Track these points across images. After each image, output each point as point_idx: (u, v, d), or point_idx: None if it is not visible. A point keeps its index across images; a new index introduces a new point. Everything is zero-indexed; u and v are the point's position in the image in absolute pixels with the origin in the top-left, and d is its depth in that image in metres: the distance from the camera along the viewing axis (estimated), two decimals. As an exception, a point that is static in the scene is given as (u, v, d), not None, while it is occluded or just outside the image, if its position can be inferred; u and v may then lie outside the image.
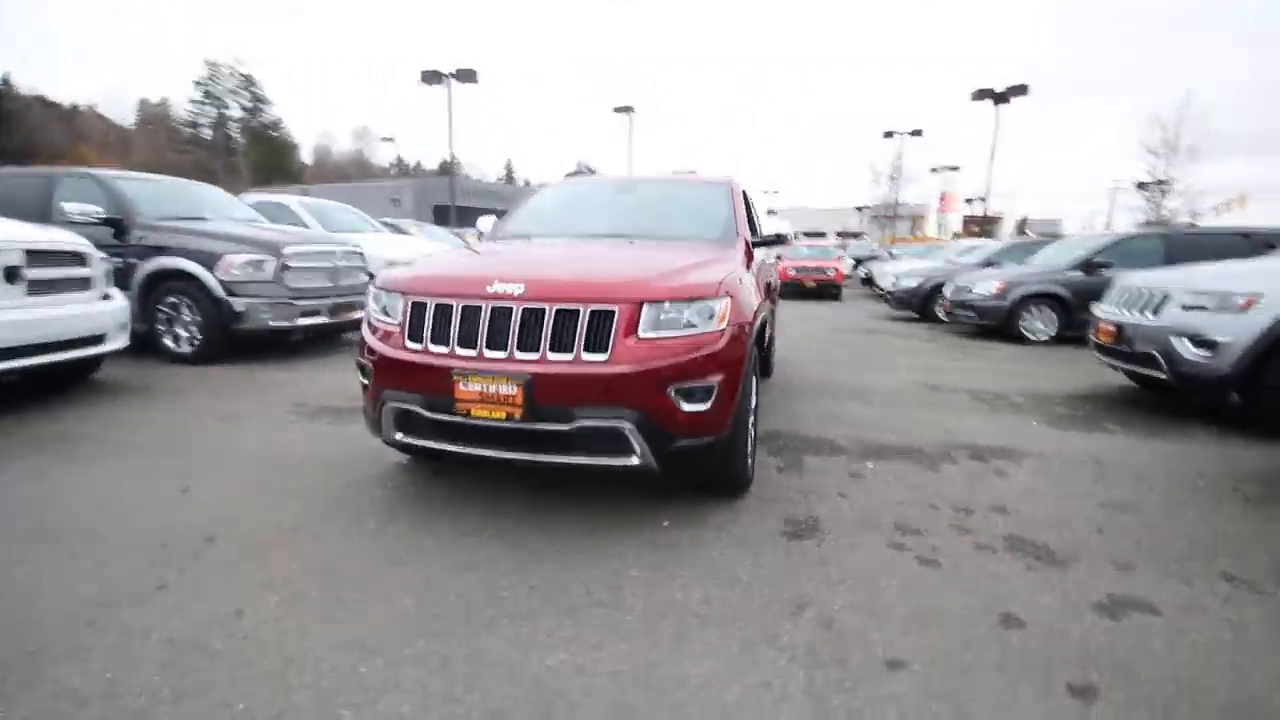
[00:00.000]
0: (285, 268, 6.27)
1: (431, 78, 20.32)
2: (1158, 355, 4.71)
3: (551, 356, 2.50)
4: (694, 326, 2.58)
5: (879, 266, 17.37)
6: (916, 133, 31.07)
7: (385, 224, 10.88)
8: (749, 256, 3.63)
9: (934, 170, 40.68)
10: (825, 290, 17.47)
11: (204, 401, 4.77)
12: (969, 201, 44.65)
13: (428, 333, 2.67)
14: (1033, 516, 2.98)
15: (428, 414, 2.63)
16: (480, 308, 2.59)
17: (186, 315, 6.07)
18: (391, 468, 3.45)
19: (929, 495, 3.22)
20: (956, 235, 39.22)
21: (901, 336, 10.05)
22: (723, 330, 2.63)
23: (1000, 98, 20.71)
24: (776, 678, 1.82)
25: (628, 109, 31.87)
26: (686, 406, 2.54)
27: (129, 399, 4.78)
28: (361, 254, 7.42)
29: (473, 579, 2.34)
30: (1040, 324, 9.20)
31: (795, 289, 17.12)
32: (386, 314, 2.88)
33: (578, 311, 2.51)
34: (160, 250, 6.07)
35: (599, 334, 2.50)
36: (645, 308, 2.53)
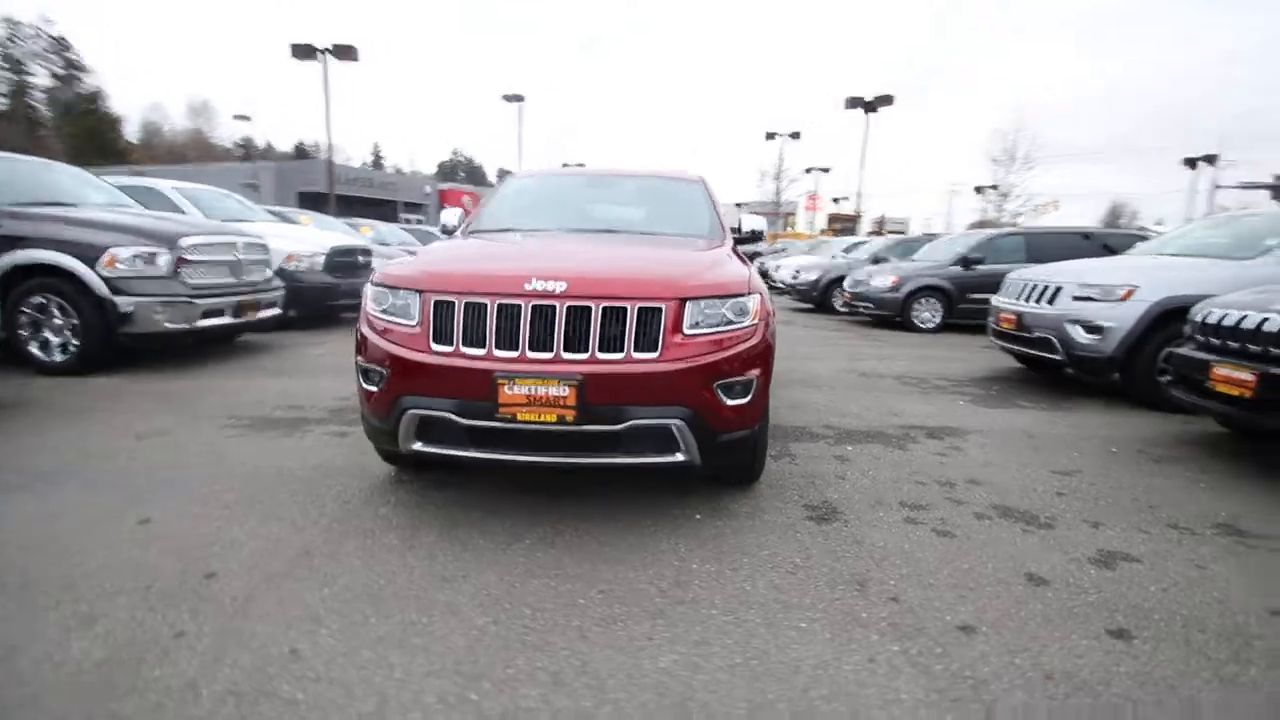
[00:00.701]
0: (183, 261, 5.52)
1: (304, 52, 18.46)
2: (1054, 340, 5.43)
3: (601, 355, 2.45)
4: (731, 323, 2.63)
5: (773, 261, 18.34)
6: (795, 135, 33.13)
7: (272, 213, 9.87)
8: (737, 252, 3.73)
9: (808, 171, 43.52)
10: None
11: (110, 418, 4.11)
12: (836, 201, 48.21)
13: (458, 334, 2.50)
14: (1004, 486, 3.35)
15: (461, 420, 2.47)
16: (519, 306, 2.47)
17: (58, 318, 5.17)
18: (381, 480, 3.19)
19: (911, 473, 3.51)
20: (824, 232, 42.11)
21: (811, 327, 10.74)
22: (755, 325, 2.70)
23: (870, 106, 22.73)
24: (877, 653, 1.94)
25: (517, 98, 31.02)
26: (729, 401, 2.59)
27: (4, 421, 4.01)
28: (265, 246, 6.70)
29: (540, 587, 2.25)
30: (928, 314, 10.21)
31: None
32: (395, 314, 2.66)
33: (624, 309, 2.48)
34: (19, 242, 5.11)
35: (647, 331, 2.48)
36: (688, 305, 2.55)
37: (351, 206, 32.80)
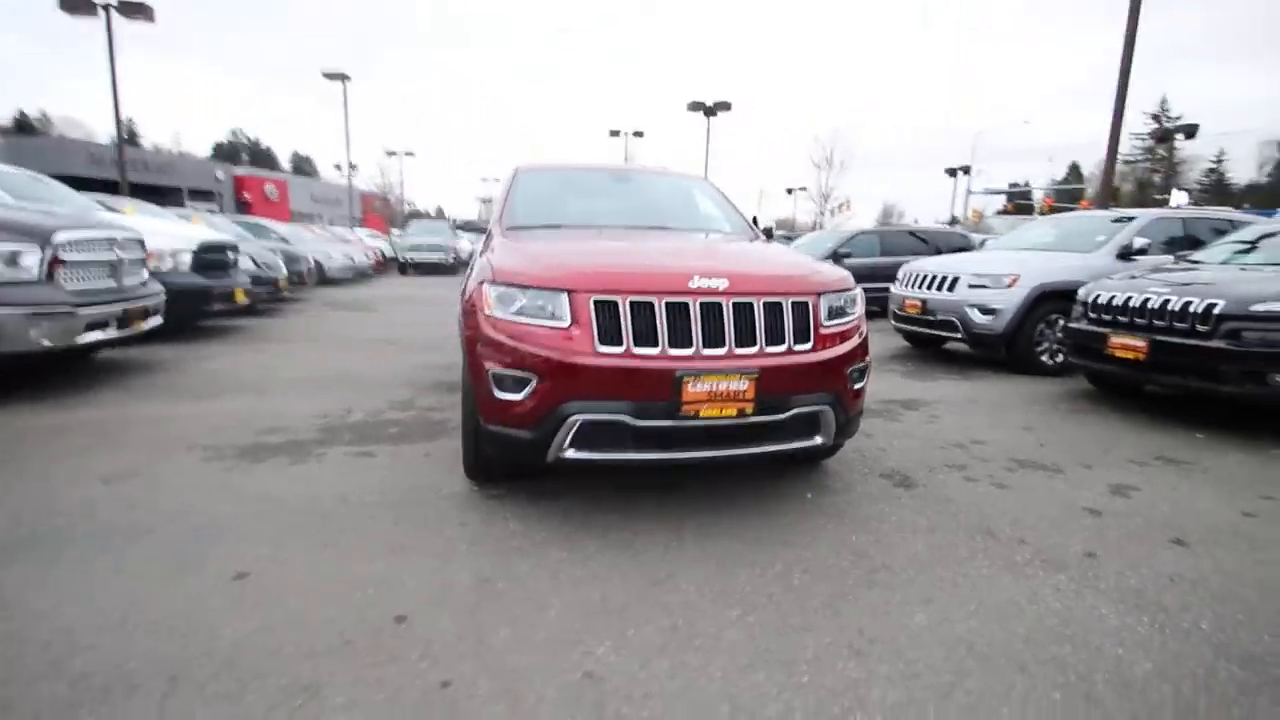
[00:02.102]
0: (57, 262, 4.41)
1: (81, 6, 14.74)
2: (956, 321, 6.46)
3: (768, 349, 2.56)
4: (849, 314, 2.88)
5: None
6: (639, 134, 34.11)
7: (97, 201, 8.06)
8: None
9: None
10: None
11: (43, 465, 3.24)
12: None
13: (628, 334, 2.44)
14: (1000, 444, 4.02)
15: (636, 422, 2.43)
16: (687, 304, 2.49)
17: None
18: (465, 497, 2.96)
19: (924, 441, 4.05)
20: None
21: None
22: (861, 315, 2.98)
23: (710, 111, 24.32)
24: (1054, 584, 2.32)
25: (342, 76, 27.91)
26: (855, 386, 2.84)
27: None
28: (142, 243, 5.54)
29: (747, 577, 2.31)
30: (805, 302, 11.33)
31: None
32: (535, 315, 2.51)
33: (780, 304, 2.61)
34: None
35: (802, 324, 2.64)
36: (823, 298, 2.75)
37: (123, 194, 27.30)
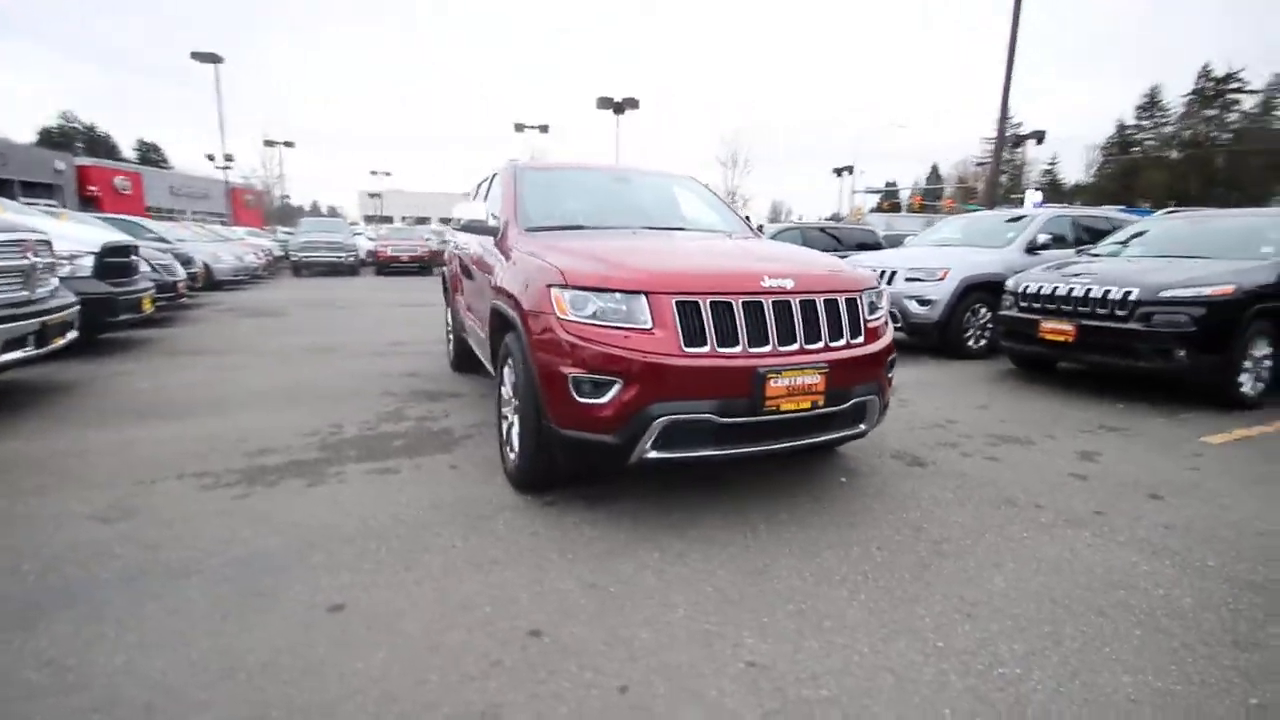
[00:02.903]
0: (-37, 270, 3.77)
1: None
2: (896, 312, 7.02)
3: (832, 344, 2.71)
4: (880, 309, 3.11)
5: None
6: (544, 128, 33.40)
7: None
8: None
9: None
10: (422, 266, 20.80)
11: (9, 504, 2.77)
12: None
13: (711, 334, 2.50)
14: (972, 422, 4.46)
15: (720, 420, 2.50)
16: (762, 303, 2.59)
17: None
18: (522, 506, 2.91)
19: (908, 422, 4.42)
20: None
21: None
22: (887, 310, 3.22)
23: (618, 107, 24.43)
24: (1075, 543, 2.66)
25: (213, 58, 25.03)
26: (890, 375, 3.08)
27: None
28: (50, 244, 4.82)
29: (832, 559, 2.47)
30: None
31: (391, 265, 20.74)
32: (612, 318, 2.52)
33: (836, 301, 2.78)
34: None
35: (853, 320, 2.82)
36: (865, 295, 2.95)
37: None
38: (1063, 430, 4.27)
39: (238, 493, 2.98)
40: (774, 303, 2.61)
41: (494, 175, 4.58)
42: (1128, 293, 4.87)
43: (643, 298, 2.52)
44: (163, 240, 12.35)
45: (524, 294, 2.79)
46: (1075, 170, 64.60)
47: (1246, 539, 2.70)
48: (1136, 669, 1.86)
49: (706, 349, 2.50)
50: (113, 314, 6.21)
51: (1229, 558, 2.53)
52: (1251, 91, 54.20)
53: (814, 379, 2.60)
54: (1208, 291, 4.69)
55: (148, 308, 6.82)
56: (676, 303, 2.50)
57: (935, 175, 73.36)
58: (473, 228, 3.73)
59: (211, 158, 37.01)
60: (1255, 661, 1.90)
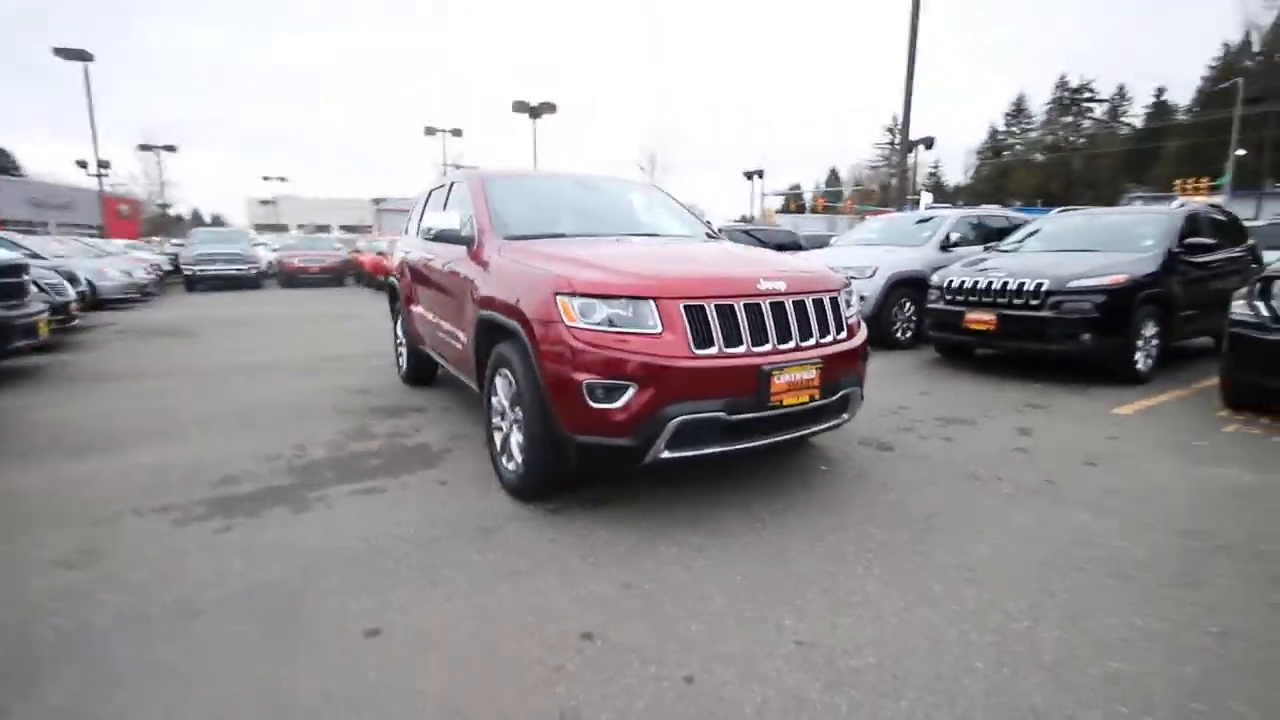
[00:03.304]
0: None
1: None
2: (831, 308, 7.44)
3: (822, 340, 2.89)
4: (853, 307, 3.33)
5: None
6: (457, 132, 32.40)
7: None
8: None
9: (458, 169, 42.99)
10: (334, 277, 19.48)
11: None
12: None
13: (718, 335, 2.61)
14: (921, 407, 4.83)
15: (729, 417, 2.61)
16: (759, 305, 2.73)
17: None
18: (511, 519, 2.91)
19: (870, 411, 4.70)
20: None
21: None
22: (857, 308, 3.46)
23: (534, 111, 24.14)
24: (1038, 511, 2.98)
25: (82, 55, 22.34)
26: (866, 367, 3.31)
27: None
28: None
29: (840, 542, 2.64)
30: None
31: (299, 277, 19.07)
32: (621, 324, 2.58)
33: (822, 300, 2.96)
34: None
35: (838, 318, 3.02)
36: (842, 293, 3.16)
37: None
38: (997, 410, 4.71)
39: (216, 525, 2.79)
40: (771, 304, 2.76)
41: (452, 184, 4.50)
42: (1040, 284, 5.43)
43: (651, 303, 2.59)
44: (36, 256, 11.09)
45: (526, 302, 2.79)
46: (956, 173, 70.20)
47: (1171, 496, 3.11)
48: (1119, 612, 2.13)
49: (714, 350, 2.61)
50: (6, 340, 5.56)
51: (1163, 513, 2.92)
52: (1100, 100, 60.97)
53: (810, 374, 2.77)
54: (1106, 281, 5.31)
55: (44, 332, 6.15)
56: (684, 306, 2.60)
57: (834, 178, 77.57)
58: (445, 237, 3.66)
59: (83, 164, 33.35)
60: (1206, 597, 2.22)
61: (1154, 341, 5.57)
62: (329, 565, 2.44)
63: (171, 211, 58.19)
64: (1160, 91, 59.34)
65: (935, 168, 67.70)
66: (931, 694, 1.75)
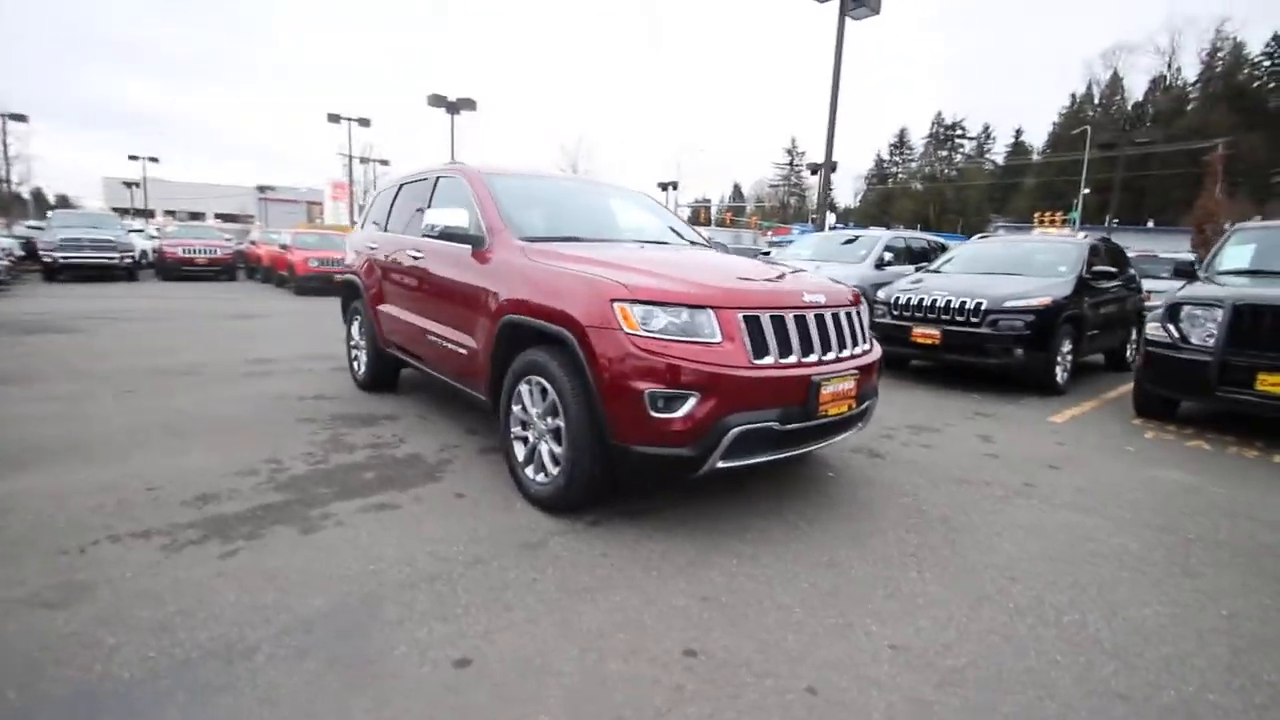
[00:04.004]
0: None
1: None
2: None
3: (855, 351, 3.01)
4: (867, 320, 3.50)
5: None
6: (364, 122, 30.31)
7: None
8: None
9: (363, 161, 40.38)
10: (223, 270, 17.73)
11: None
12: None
13: (774, 346, 2.65)
14: (887, 417, 5.09)
15: (781, 427, 2.66)
16: (805, 316, 2.80)
17: None
18: (557, 534, 2.82)
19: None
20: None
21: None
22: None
23: (453, 107, 23.14)
24: (1033, 510, 3.27)
25: None
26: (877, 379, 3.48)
27: None
28: None
29: (874, 559, 2.76)
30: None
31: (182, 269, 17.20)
32: (681, 333, 2.56)
33: (851, 313, 3.09)
34: None
35: (862, 330, 3.16)
36: (862, 307, 3.31)
37: None
38: (953, 418, 5.10)
39: (218, 550, 2.47)
40: (814, 315, 2.84)
41: (438, 179, 4.26)
42: (980, 303, 5.96)
43: (710, 312, 2.59)
44: None
45: (577, 308, 2.69)
46: (846, 196, 75.36)
47: (1132, 495, 3.51)
48: (1144, 601, 2.38)
49: (770, 360, 2.65)
50: None
51: (1133, 509, 3.29)
52: (969, 138, 67.68)
53: (849, 385, 2.88)
54: (1035, 302, 5.91)
55: (-100, 325, 5.15)
56: (743, 317, 2.62)
57: (738, 193, 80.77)
58: (451, 235, 3.46)
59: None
60: (1205, 585, 2.53)
61: (1069, 357, 6.26)
62: (381, 592, 2.23)
63: (16, 190, 50.50)
64: (1019, 133, 66.97)
65: (830, 190, 72.39)
66: (1032, 687, 1.87)
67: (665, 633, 2.06)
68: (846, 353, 2.97)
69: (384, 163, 41.35)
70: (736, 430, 2.56)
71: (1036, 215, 38.96)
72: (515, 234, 3.38)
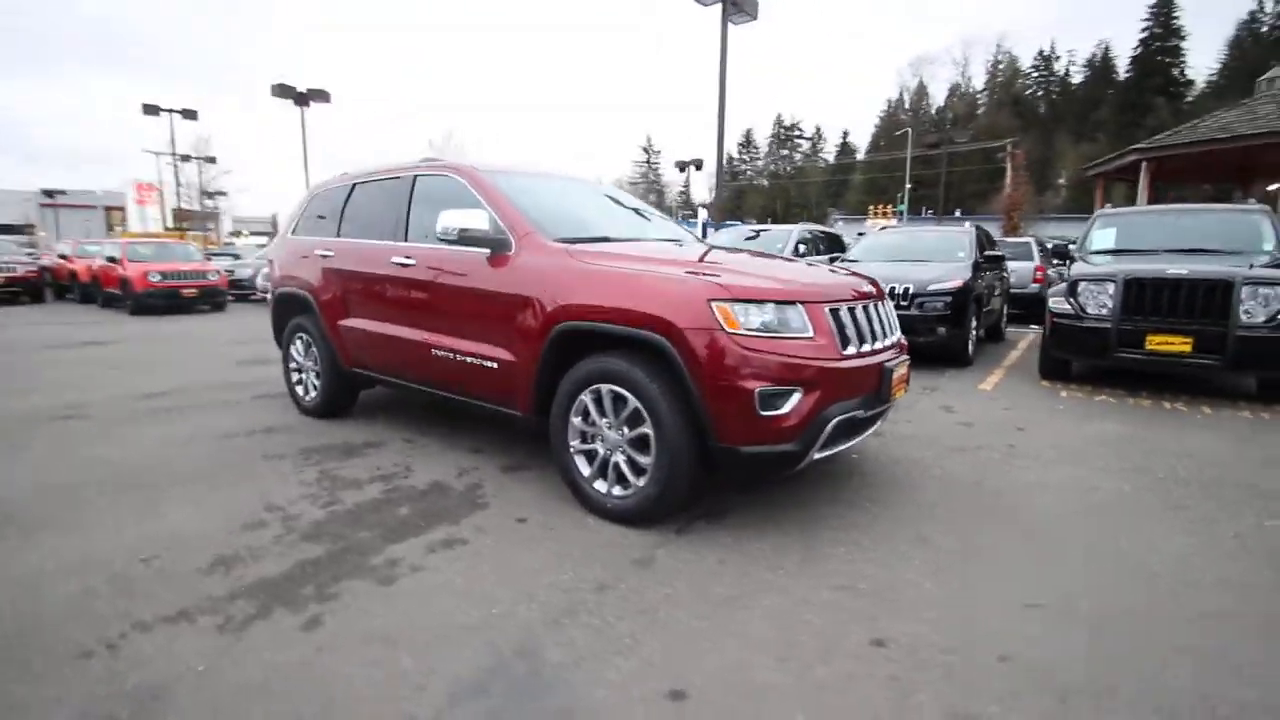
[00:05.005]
0: None
1: None
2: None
3: (899, 338, 3.20)
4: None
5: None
6: (189, 114, 26.01)
7: None
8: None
9: (185, 158, 34.82)
10: (25, 291, 15.10)
11: None
12: (212, 196, 40.78)
13: (854, 337, 2.74)
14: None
15: (864, 414, 2.77)
16: (866, 306, 2.93)
17: None
18: (664, 546, 2.73)
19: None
20: (172, 231, 34.75)
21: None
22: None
23: (302, 98, 20.66)
24: (1033, 471, 3.68)
25: None
26: (891, 362, 3.71)
27: None
28: None
29: (896, 558, 2.96)
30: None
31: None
32: (775, 329, 2.57)
33: (887, 302, 3.27)
34: None
35: (894, 319, 3.35)
36: (886, 299, 3.51)
37: None
38: (910, 395, 5.56)
39: (294, 621, 2.08)
40: (867, 306, 2.98)
41: (416, 178, 3.87)
42: (907, 288, 6.55)
43: (800, 307, 2.62)
44: None
45: (669, 310, 2.58)
46: (700, 192, 79.06)
47: (1093, 447, 4.06)
48: (1168, 535, 2.78)
49: (853, 350, 2.74)
50: None
51: (1103, 459, 3.81)
52: (806, 138, 73.66)
53: (905, 370, 3.07)
54: (949, 285, 6.61)
55: None
56: (829, 310, 2.68)
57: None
58: (472, 239, 3.17)
59: None
60: (1196, 515, 3.01)
61: (975, 332, 7.08)
62: (528, 636, 2.01)
63: None
64: (845, 134, 74.03)
65: (685, 188, 75.31)
66: (1150, 622, 2.12)
67: (840, 629, 2.07)
68: (894, 339, 3.15)
69: (211, 160, 36.50)
70: (835, 421, 2.62)
71: (870, 208, 43.40)
72: (548, 236, 3.17)
